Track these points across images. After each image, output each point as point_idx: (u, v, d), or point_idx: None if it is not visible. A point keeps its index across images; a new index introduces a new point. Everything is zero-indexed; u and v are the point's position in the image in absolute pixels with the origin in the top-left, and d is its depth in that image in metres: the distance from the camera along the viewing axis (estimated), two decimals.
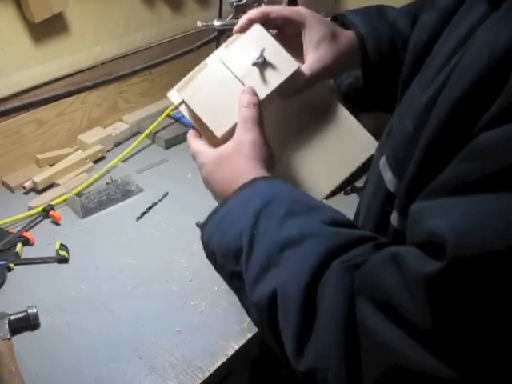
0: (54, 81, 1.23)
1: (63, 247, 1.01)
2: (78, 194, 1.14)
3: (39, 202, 1.13)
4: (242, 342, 0.85)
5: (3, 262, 0.97)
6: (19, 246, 1.00)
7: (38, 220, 1.09)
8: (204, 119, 0.68)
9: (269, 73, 0.69)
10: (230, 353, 0.84)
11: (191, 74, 0.72)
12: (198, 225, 1.06)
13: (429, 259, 0.40)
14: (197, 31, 1.50)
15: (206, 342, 0.85)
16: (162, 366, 0.81)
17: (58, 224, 1.09)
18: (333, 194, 1.16)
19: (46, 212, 1.09)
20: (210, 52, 0.76)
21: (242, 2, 1.15)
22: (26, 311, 0.86)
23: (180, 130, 1.37)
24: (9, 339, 0.82)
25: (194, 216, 1.08)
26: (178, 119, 1.40)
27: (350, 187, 1.19)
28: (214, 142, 0.68)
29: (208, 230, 0.61)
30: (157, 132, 1.35)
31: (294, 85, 0.70)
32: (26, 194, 1.17)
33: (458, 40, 0.51)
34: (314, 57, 0.70)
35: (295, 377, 0.52)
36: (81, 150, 1.27)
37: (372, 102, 0.79)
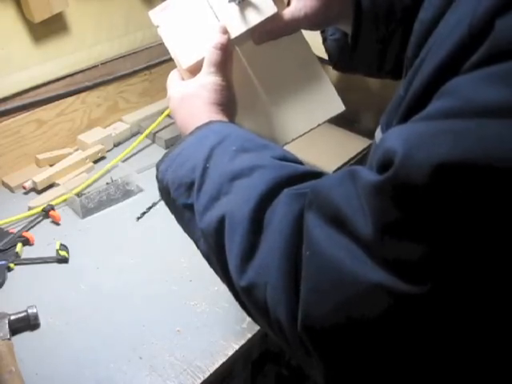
0: (53, 81, 1.23)
1: (63, 247, 1.01)
2: (78, 194, 1.14)
3: (39, 201, 1.13)
4: (242, 342, 0.85)
5: (3, 262, 0.97)
6: (19, 245, 1.00)
7: (38, 220, 1.09)
8: (171, 48, 0.67)
9: (246, 12, 0.67)
10: (230, 353, 0.84)
11: None
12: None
13: (380, 171, 0.40)
14: None
15: (206, 342, 0.85)
16: (161, 365, 0.81)
17: (58, 224, 1.09)
18: None
19: (46, 212, 1.09)
20: None
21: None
22: (26, 311, 0.86)
23: None
24: (9, 339, 0.82)
25: None
26: None
27: None
28: (184, 75, 0.68)
29: (163, 166, 0.63)
30: (157, 132, 1.35)
31: (270, 29, 0.69)
32: (26, 194, 1.17)
33: (458, 18, 0.51)
34: (298, 2, 0.68)
35: (295, 377, 0.52)
36: (81, 150, 1.27)
37: (355, 64, 0.77)
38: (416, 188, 0.37)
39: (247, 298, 0.50)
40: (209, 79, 0.66)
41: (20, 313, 0.86)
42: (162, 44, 0.73)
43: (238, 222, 0.50)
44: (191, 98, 0.66)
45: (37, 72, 1.20)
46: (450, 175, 0.36)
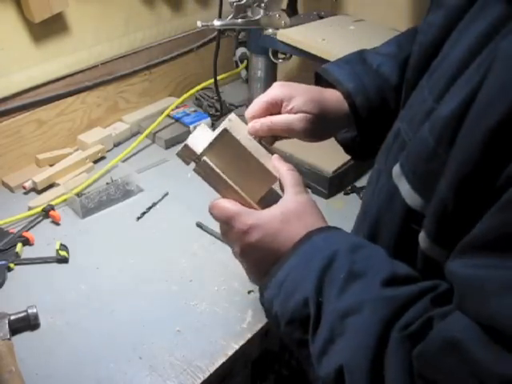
0: (53, 81, 1.23)
1: (63, 247, 1.01)
2: (78, 194, 1.13)
3: (39, 202, 1.13)
4: (242, 342, 0.85)
5: (3, 262, 0.97)
6: (19, 246, 1.00)
7: (38, 220, 1.09)
8: (260, 159, 0.62)
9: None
10: (230, 353, 0.84)
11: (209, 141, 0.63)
12: (198, 225, 1.06)
13: (497, 349, 0.39)
14: (197, 31, 1.50)
15: (206, 342, 0.85)
16: (161, 365, 0.81)
17: (58, 224, 1.09)
18: (332, 194, 1.18)
19: (46, 212, 1.09)
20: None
21: (242, 2, 1.15)
22: (26, 311, 0.86)
23: (180, 129, 1.37)
24: (9, 339, 0.82)
25: (194, 216, 1.09)
26: (178, 119, 1.40)
27: (350, 187, 1.19)
28: (247, 205, 0.63)
29: (268, 293, 0.58)
30: (157, 132, 1.35)
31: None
32: (26, 193, 1.17)
33: (470, 44, 0.49)
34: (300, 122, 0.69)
35: (295, 377, 0.52)
36: (81, 150, 1.27)
37: (371, 152, 0.76)
38: None
39: None
40: (305, 197, 0.63)
41: (20, 313, 0.85)
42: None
43: (357, 379, 0.49)
44: (300, 217, 0.61)
45: (37, 72, 1.20)
46: None
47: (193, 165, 0.64)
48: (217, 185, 0.63)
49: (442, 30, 0.56)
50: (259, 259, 0.60)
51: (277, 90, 0.71)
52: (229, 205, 0.61)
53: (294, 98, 0.69)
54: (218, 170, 0.62)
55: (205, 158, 0.62)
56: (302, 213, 0.61)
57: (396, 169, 0.56)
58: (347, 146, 0.82)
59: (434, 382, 0.44)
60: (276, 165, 0.65)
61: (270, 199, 0.62)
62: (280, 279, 0.57)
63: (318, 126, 0.70)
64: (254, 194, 0.63)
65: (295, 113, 0.69)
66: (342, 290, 0.52)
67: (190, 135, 0.64)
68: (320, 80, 0.78)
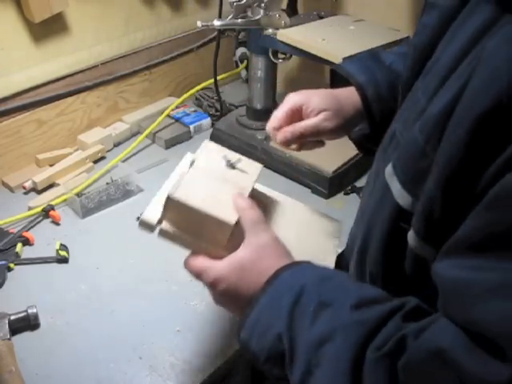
0: (53, 81, 1.23)
1: (63, 247, 1.01)
2: (78, 194, 1.14)
3: (39, 202, 1.13)
4: None
5: (3, 262, 0.97)
6: (19, 246, 1.00)
7: (38, 220, 1.09)
8: (211, 212, 0.63)
9: (239, 175, 0.71)
10: (230, 353, 0.84)
11: (173, 184, 0.67)
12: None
13: (484, 355, 0.39)
14: (197, 31, 1.50)
15: (205, 342, 0.85)
16: (161, 365, 0.81)
17: (58, 224, 1.09)
18: (332, 194, 1.18)
19: (46, 212, 1.09)
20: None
21: (242, 2, 1.15)
22: (26, 311, 0.86)
23: (180, 129, 1.37)
24: (9, 339, 0.82)
25: None
26: (178, 119, 1.40)
27: (350, 187, 1.19)
28: (215, 254, 0.65)
29: (243, 335, 0.60)
30: (157, 132, 1.35)
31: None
32: (26, 193, 1.17)
33: (462, 44, 0.50)
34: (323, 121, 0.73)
35: None
36: (81, 150, 1.27)
37: None
38: None
39: None
40: (264, 236, 0.63)
41: (20, 313, 0.86)
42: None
43: None
44: (255, 263, 0.62)
45: (37, 72, 1.20)
46: None
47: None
48: (183, 244, 0.66)
49: (435, 31, 0.57)
50: (233, 304, 0.63)
51: (294, 97, 0.76)
52: (194, 262, 0.65)
53: (311, 99, 0.74)
54: (178, 234, 0.64)
55: (162, 226, 0.64)
56: (262, 256, 0.62)
57: (388, 169, 0.57)
58: (360, 144, 0.84)
59: None
60: (235, 204, 0.65)
61: (238, 235, 0.64)
62: (253, 320, 0.58)
63: (339, 121, 0.74)
64: (218, 242, 0.64)
65: (316, 114, 0.73)
66: (312, 321, 0.53)
67: (148, 206, 0.67)
68: (334, 80, 0.82)
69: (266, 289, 0.59)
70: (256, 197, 0.72)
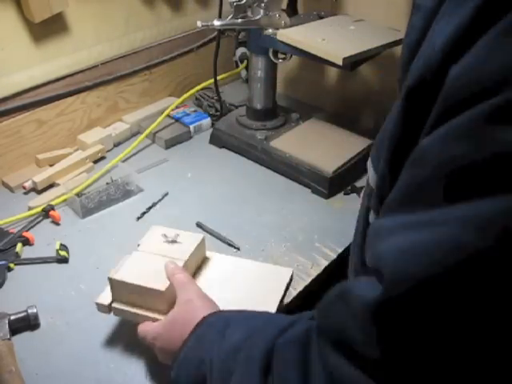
0: (53, 81, 1.23)
1: (63, 247, 1.01)
2: (78, 194, 1.14)
3: (39, 202, 1.13)
4: None
5: (3, 262, 0.97)
6: (19, 246, 1.00)
7: (38, 220, 1.09)
8: (144, 284, 0.76)
9: (177, 247, 0.85)
10: None
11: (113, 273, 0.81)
12: (198, 225, 1.06)
13: (375, 284, 0.41)
14: (197, 31, 1.50)
15: None
16: (162, 366, 0.81)
17: (58, 224, 1.09)
18: (332, 194, 1.18)
19: (46, 212, 1.09)
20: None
21: (242, 2, 1.15)
22: (26, 311, 0.86)
23: (180, 129, 1.37)
24: (9, 339, 0.82)
25: (194, 216, 1.08)
26: (178, 119, 1.40)
27: (349, 187, 1.19)
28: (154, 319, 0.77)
29: (173, 374, 0.67)
30: (157, 132, 1.35)
31: None
32: (26, 194, 1.17)
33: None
34: None
35: None
36: (81, 150, 1.27)
37: None
38: (411, 302, 0.38)
39: None
40: (190, 292, 0.74)
41: (20, 313, 0.85)
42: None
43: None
44: (184, 316, 0.71)
45: (37, 72, 1.20)
46: (442, 288, 0.36)
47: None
48: (134, 319, 0.79)
49: (421, 32, 0.58)
50: (172, 357, 0.69)
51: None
52: (139, 328, 0.76)
53: None
54: (127, 308, 0.79)
55: (113, 304, 0.80)
56: (189, 309, 0.72)
57: (369, 159, 0.59)
58: None
59: (327, 329, 0.46)
60: (166, 270, 0.78)
61: (174, 300, 0.75)
62: (181, 358, 0.66)
63: None
64: (160, 310, 0.77)
65: None
66: (223, 335, 0.61)
67: (103, 292, 0.82)
68: None
69: (193, 332, 0.66)
70: (208, 263, 0.90)
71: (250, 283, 0.87)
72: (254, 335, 0.56)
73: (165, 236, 0.86)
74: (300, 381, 0.46)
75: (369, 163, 0.59)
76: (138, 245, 0.87)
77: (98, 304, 0.81)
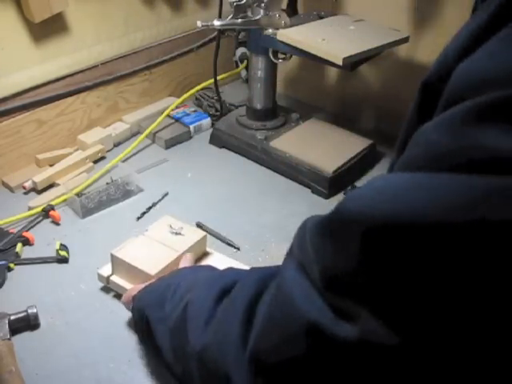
0: (53, 81, 1.23)
1: (63, 247, 1.01)
2: (78, 194, 1.14)
3: (39, 202, 1.13)
4: None
5: (3, 262, 0.97)
6: (19, 246, 1.00)
7: (38, 220, 1.09)
8: (137, 265, 0.85)
9: (178, 239, 0.92)
10: None
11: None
12: (198, 225, 1.07)
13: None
14: (197, 31, 1.50)
15: None
16: (162, 366, 0.81)
17: (58, 224, 1.09)
18: (332, 194, 1.18)
19: (46, 212, 1.09)
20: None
21: (242, 2, 1.15)
22: (26, 311, 0.86)
23: (180, 129, 1.37)
24: (9, 339, 0.82)
25: (194, 216, 1.08)
26: (178, 119, 1.40)
27: (350, 187, 1.20)
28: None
29: (139, 295, 0.75)
30: (157, 132, 1.35)
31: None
32: (26, 193, 1.17)
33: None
34: None
35: None
36: (81, 150, 1.27)
37: None
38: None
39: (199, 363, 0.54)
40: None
41: (20, 313, 0.85)
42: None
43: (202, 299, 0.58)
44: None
45: (37, 72, 1.20)
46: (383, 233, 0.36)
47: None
48: (124, 293, 0.84)
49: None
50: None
51: None
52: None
53: None
54: (122, 284, 0.87)
55: (111, 277, 0.89)
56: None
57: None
58: None
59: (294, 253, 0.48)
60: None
61: None
62: (148, 286, 0.75)
63: None
64: None
65: None
66: (195, 273, 0.72)
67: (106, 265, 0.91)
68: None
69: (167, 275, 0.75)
70: (207, 260, 0.94)
71: None
72: (220, 274, 0.64)
73: (171, 227, 0.93)
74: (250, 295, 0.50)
75: None
76: (147, 230, 0.94)
77: (99, 274, 0.90)
